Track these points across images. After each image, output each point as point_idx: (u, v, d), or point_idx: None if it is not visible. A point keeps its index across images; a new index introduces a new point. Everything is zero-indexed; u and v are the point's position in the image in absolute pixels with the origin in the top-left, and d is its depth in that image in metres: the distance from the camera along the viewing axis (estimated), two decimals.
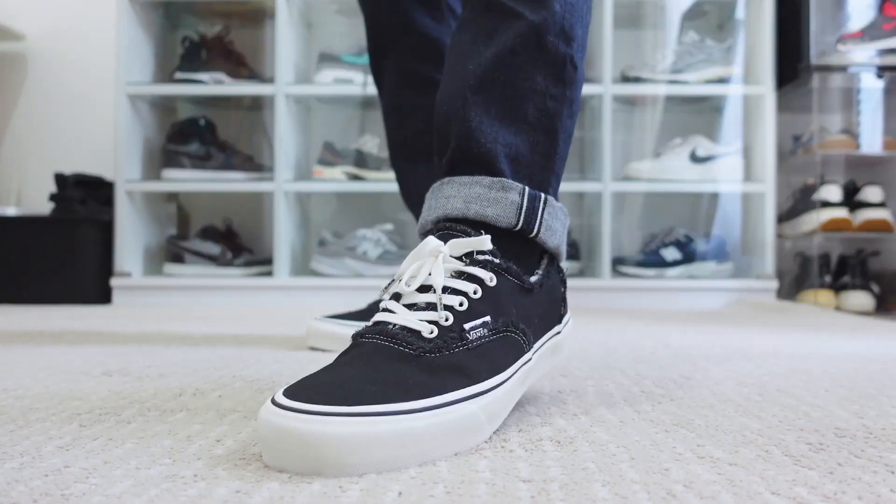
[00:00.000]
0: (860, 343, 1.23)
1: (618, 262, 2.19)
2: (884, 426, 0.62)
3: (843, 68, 2.07)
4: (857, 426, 0.62)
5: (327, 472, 0.46)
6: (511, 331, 0.60)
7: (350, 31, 2.35)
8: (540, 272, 0.67)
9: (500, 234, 0.64)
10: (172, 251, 2.17)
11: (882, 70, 2.10)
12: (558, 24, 0.66)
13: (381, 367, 0.52)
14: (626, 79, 2.19)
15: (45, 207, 2.29)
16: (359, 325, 0.98)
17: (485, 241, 0.60)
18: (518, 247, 0.65)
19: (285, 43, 2.14)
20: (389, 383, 0.50)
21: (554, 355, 0.69)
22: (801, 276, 2.19)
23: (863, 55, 2.05)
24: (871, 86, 2.22)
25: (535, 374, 0.66)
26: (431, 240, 0.59)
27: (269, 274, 2.15)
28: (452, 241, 0.60)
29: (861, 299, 2.05)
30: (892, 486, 0.46)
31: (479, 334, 0.57)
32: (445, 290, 0.58)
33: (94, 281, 2.11)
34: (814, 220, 2.08)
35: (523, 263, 0.65)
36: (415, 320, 0.55)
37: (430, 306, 0.57)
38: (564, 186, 2.20)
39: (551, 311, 0.68)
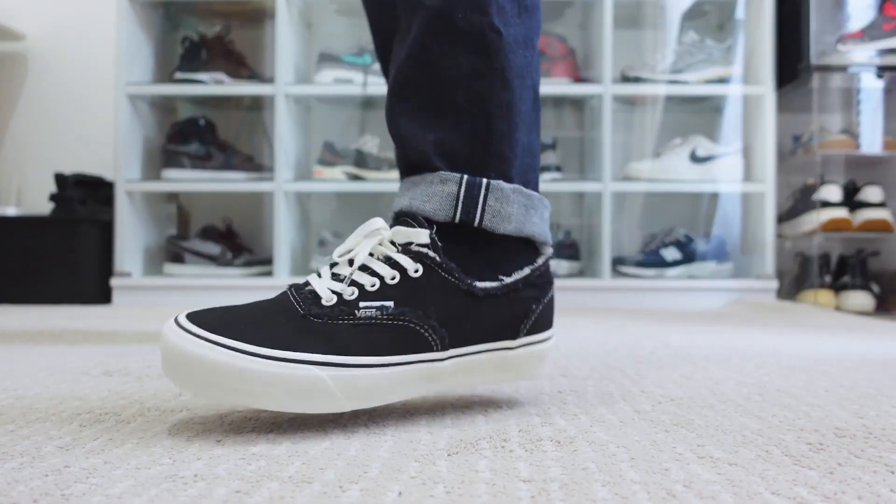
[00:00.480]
0: (860, 343, 1.23)
1: (618, 262, 2.19)
2: (884, 426, 0.62)
3: (843, 68, 2.07)
4: (857, 426, 0.62)
5: (180, 381, 0.55)
6: (414, 323, 0.59)
7: (350, 31, 2.35)
8: (504, 282, 0.64)
9: (457, 233, 0.63)
10: (172, 251, 2.17)
11: (882, 70, 2.10)
12: None
13: (269, 316, 0.57)
14: (626, 79, 2.19)
15: (45, 207, 2.29)
16: None
17: (421, 234, 0.61)
18: (484, 251, 0.64)
19: (285, 43, 2.14)
20: (260, 329, 0.56)
21: (503, 371, 0.65)
22: (801, 276, 2.19)
23: (863, 55, 2.05)
24: (871, 86, 2.22)
25: (461, 381, 0.63)
26: (377, 220, 0.63)
27: (269, 274, 2.15)
28: (395, 228, 0.63)
29: (861, 299, 2.05)
30: (892, 485, 0.46)
31: (367, 314, 0.58)
32: (364, 268, 0.60)
33: (94, 281, 2.11)
34: (814, 220, 2.08)
35: (482, 268, 0.63)
36: (323, 287, 0.59)
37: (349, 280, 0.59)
38: (565, 186, 2.21)
39: (502, 324, 0.64)
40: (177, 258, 2.15)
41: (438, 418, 0.63)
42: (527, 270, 0.66)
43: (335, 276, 0.60)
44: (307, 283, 0.60)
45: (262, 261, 2.22)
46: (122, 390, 0.75)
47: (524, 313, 0.66)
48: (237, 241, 2.24)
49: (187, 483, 0.45)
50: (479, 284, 0.63)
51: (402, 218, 0.64)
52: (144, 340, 1.18)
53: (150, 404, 0.68)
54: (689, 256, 2.16)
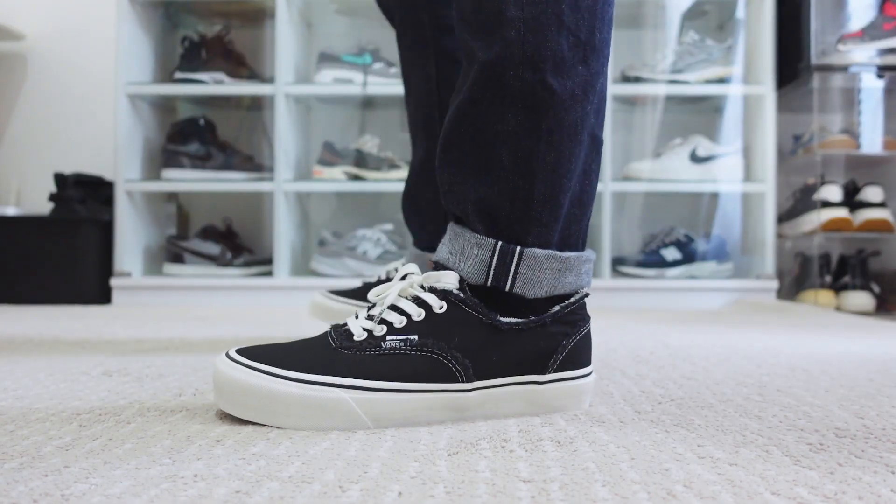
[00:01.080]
0: (860, 343, 1.23)
1: (618, 262, 2.19)
2: (884, 426, 0.62)
3: (843, 68, 2.07)
4: (858, 426, 0.62)
5: (225, 405, 0.61)
6: (437, 353, 0.62)
7: (350, 31, 2.35)
8: (529, 318, 0.65)
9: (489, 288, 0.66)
10: (172, 251, 2.17)
11: (882, 70, 2.10)
12: (518, 53, 0.61)
13: (307, 348, 0.63)
14: (626, 79, 2.19)
15: (44, 207, 2.29)
16: (350, 303, 1.14)
17: (450, 276, 0.64)
18: (513, 298, 0.66)
19: (285, 43, 2.14)
20: (295, 358, 0.61)
21: (534, 405, 0.66)
22: (801, 277, 2.19)
23: (863, 55, 2.05)
24: (872, 85, 2.22)
25: (487, 410, 0.64)
26: (411, 266, 0.68)
27: (269, 274, 2.15)
28: (427, 273, 0.66)
29: (861, 299, 2.05)
30: (893, 486, 0.46)
31: (392, 345, 0.62)
32: (394, 308, 0.64)
33: (94, 281, 2.11)
34: (814, 220, 2.08)
35: (510, 309, 0.65)
36: (357, 326, 0.63)
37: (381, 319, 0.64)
38: None
39: (530, 358, 0.65)
40: (177, 258, 2.15)
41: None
42: (556, 308, 0.66)
43: (370, 317, 0.64)
44: (345, 324, 0.65)
45: (262, 261, 2.22)
46: (121, 391, 0.75)
47: (553, 348, 0.66)
48: (237, 241, 2.24)
49: (187, 483, 0.45)
50: (504, 319, 0.64)
51: (439, 267, 0.68)
52: (144, 341, 1.18)
53: (150, 404, 0.68)
54: (689, 256, 2.16)
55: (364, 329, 0.63)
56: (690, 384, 0.81)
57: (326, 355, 0.61)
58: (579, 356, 0.68)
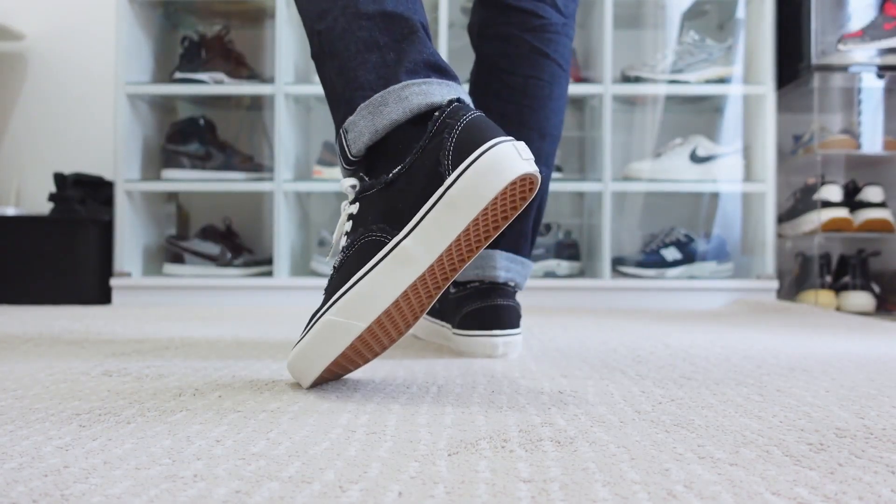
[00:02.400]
0: (861, 343, 1.23)
1: (618, 262, 2.19)
2: (884, 426, 0.62)
3: (843, 68, 2.07)
4: (858, 426, 0.62)
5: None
6: (364, 238, 0.73)
7: None
8: (405, 162, 0.72)
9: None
10: (172, 251, 2.17)
11: (883, 70, 2.10)
12: None
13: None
14: (626, 79, 2.19)
15: (44, 207, 2.29)
16: None
17: (345, 183, 0.77)
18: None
19: (285, 43, 2.14)
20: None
21: (447, 205, 0.74)
22: (801, 277, 2.19)
23: (863, 55, 2.05)
24: (872, 85, 2.22)
25: (429, 237, 0.70)
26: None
27: (269, 274, 2.15)
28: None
29: (862, 299, 2.05)
30: (893, 486, 0.46)
31: (341, 260, 0.76)
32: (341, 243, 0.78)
33: (94, 281, 2.11)
34: (814, 220, 2.08)
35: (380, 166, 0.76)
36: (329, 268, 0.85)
37: None
38: (565, 186, 2.21)
39: (428, 179, 0.70)
40: (176, 258, 2.15)
41: (438, 418, 0.63)
42: (415, 146, 0.72)
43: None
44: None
45: (261, 261, 2.22)
46: (121, 391, 0.75)
47: (438, 159, 0.69)
48: (237, 242, 2.24)
49: (187, 483, 0.45)
50: (389, 175, 0.72)
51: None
52: (144, 341, 1.18)
53: (150, 404, 0.68)
54: (689, 256, 2.16)
55: (333, 267, 0.75)
56: (690, 384, 0.81)
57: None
58: (467, 146, 0.68)
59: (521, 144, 0.68)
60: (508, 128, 1.02)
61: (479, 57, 1.09)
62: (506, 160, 0.66)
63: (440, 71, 0.76)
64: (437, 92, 0.73)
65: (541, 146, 1.05)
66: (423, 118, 0.73)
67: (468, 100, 0.76)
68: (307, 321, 0.75)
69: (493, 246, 1.04)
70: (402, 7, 0.76)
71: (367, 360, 0.78)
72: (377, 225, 0.70)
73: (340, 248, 0.75)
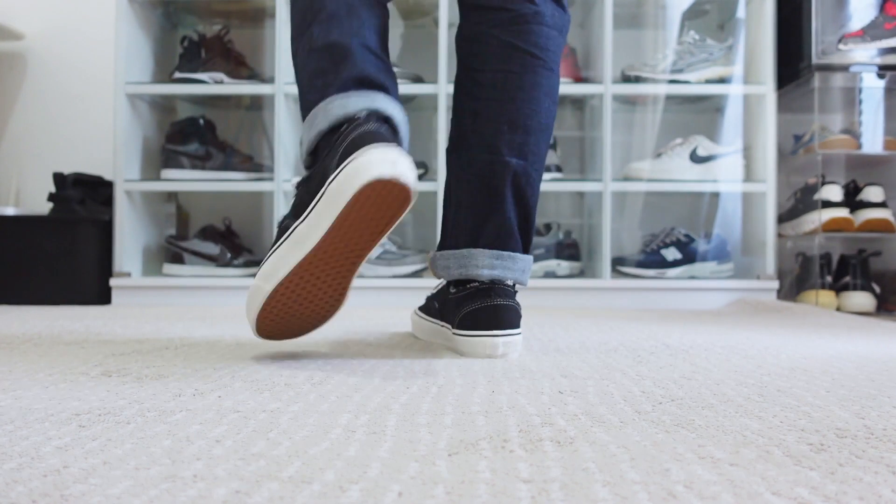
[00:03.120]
0: (861, 343, 1.23)
1: (618, 262, 2.18)
2: (885, 426, 0.62)
3: (844, 68, 2.06)
4: (859, 426, 0.62)
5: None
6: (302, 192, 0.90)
7: None
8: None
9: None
10: (172, 251, 2.17)
11: (883, 69, 2.10)
12: None
13: None
14: (626, 78, 2.19)
15: (44, 207, 2.29)
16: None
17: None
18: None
19: (285, 43, 2.13)
20: None
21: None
22: (801, 277, 2.19)
23: (864, 54, 2.04)
24: (873, 85, 2.21)
25: (357, 173, 0.82)
26: None
27: None
28: None
29: (862, 300, 2.05)
30: (894, 486, 0.46)
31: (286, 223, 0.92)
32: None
33: (94, 281, 2.10)
34: (815, 219, 2.07)
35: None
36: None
37: None
38: (565, 186, 2.21)
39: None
40: (176, 258, 2.15)
41: (438, 418, 0.63)
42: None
43: None
44: None
45: (261, 261, 2.21)
46: (121, 391, 0.75)
47: (330, 163, 0.86)
48: (237, 242, 2.24)
49: (187, 483, 0.45)
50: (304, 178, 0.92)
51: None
52: (143, 341, 1.18)
53: (150, 405, 0.68)
54: (689, 256, 2.16)
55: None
56: (690, 384, 0.81)
57: None
58: (346, 153, 0.85)
59: (398, 156, 0.79)
60: (480, 125, 1.03)
61: (458, 61, 1.11)
62: (368, 166, 0.79)
63: (367, 84, 0.90)
64: (354, 104, 0.88)
65: (512, 138, 1.03)
66: (341, 127, 0.87)
67: (390, 108, 0.89)
68: None
69: (474, 244, 1.03)
70: (342, 35, 0.92)
71: (307, 324, 0.96)
72: (291, 214, 0.89)
73: None
